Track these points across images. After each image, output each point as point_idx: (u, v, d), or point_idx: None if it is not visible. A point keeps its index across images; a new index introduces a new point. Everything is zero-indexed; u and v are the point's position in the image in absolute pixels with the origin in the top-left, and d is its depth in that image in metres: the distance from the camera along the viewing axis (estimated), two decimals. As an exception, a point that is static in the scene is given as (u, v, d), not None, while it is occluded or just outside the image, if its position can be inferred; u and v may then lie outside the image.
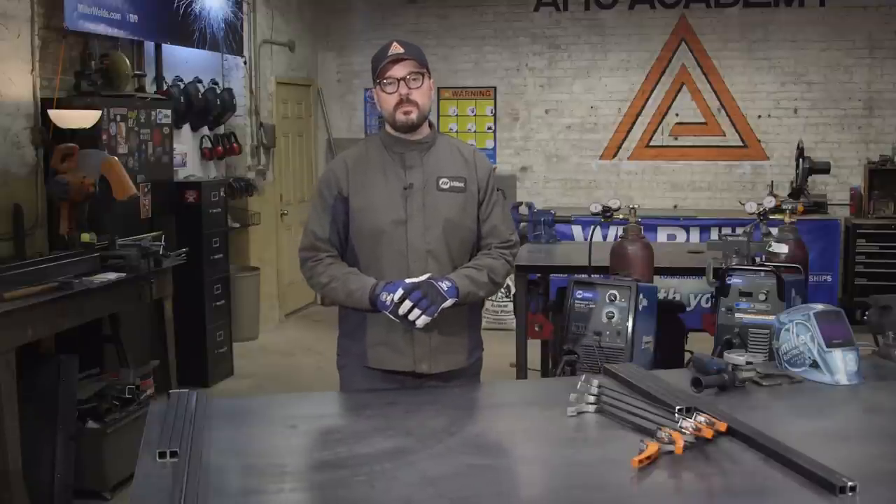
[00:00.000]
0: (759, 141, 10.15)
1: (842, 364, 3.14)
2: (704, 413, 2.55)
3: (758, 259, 4.44)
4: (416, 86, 3.23)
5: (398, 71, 3.21)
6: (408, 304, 3.05)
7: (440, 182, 3.28)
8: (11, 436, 4.47)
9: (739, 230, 5.06)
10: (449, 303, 3.12)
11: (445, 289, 3.12)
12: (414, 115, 3.24)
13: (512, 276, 7.87)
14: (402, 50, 3.22)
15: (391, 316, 3.09)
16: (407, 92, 3.22)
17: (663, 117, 10.31)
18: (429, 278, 3.13)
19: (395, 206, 3.24)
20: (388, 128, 3.33)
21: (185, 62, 7.93)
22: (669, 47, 10.21)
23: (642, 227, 4.84)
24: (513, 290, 7.39)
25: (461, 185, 3.30)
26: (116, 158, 5.95)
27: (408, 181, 3.26)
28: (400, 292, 3.06)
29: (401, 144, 3.30)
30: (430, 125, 3.38)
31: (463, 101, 10.72)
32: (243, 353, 8.11)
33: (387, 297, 3.09)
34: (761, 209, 4.89)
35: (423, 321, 3.06)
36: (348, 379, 3.43)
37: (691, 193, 10.33)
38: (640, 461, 2.32)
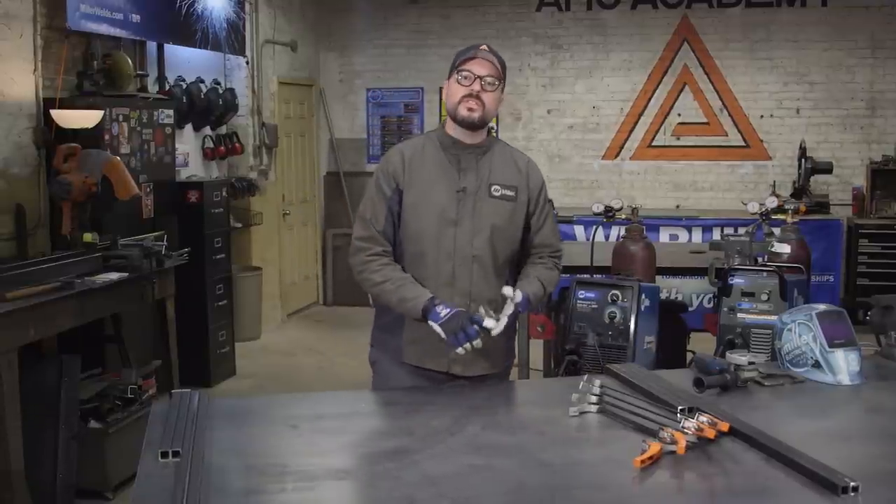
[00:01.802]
0: (762, 141, 10.14)
1: (844, 364, 3.14)
2: (706, 413, 2.55)
3: (760, 259, 4.45)
4: (489, 89, 3.25)
5: (478, 68, 3.24)
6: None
7: (492, 189, 3.30)
8: (13, 436, 4.48)
9: (742, 230, 5.06)
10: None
11: (521, 310, 3.20)
12: (476, 115, 3.24)
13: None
14: (489, 52, 3.26)
15: (440, 330, 3.08)
16: (479, 90, 3.23)
17: (665, 117, 10.31)
18: (520, 303, 3.16)
19: (448, 207, 3.26)
20: (447, 128, 3.35)
21: (188, 62, 7.94)
22: (671, 47, 10.20)
23: (644, 228, 4.85)
24: (515, 290, 7.39)
25: (512, 194, 3.33)
26: (119, 158, 5.95)
27: (461, 184, 3.28)
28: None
29: (458, 147, 3.32)
30: (489, 132, 3.41)
31: (465, 101, 10.69)
32: (245, 353, 8.11)
33: (442, 311, 3.09)
34: (763, 209, 4.89)
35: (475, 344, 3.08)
36: (382, 374, 3.43)
37: (693, 193, 10.32)
38: (643, 461, 2.32)
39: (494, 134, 4.01)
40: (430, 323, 3.10)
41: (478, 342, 3.04)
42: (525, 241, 3.40)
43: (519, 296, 3.14)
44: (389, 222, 3.30)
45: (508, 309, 3.13)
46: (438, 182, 3.28)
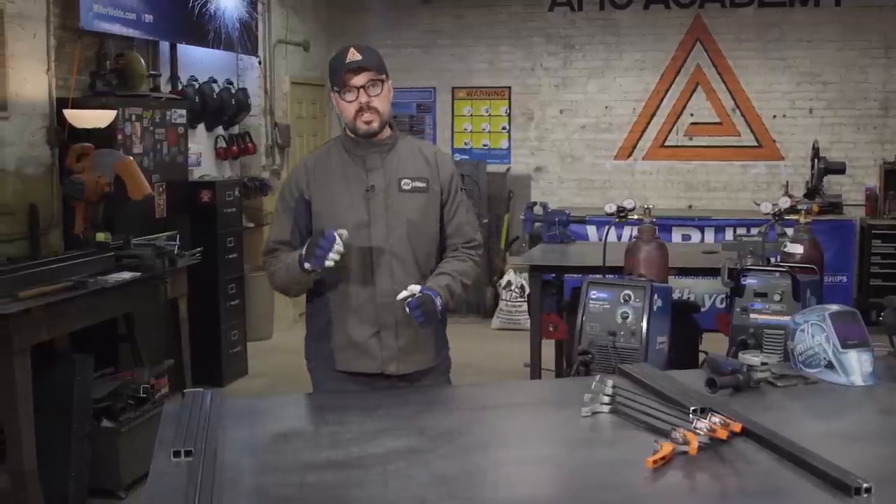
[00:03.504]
0: (775, 141, 10.12)
1: (857, 365, 3.12)
2: (719, 414, 2.54)
3: (773, 259, 4.42)
4: (375, 93, 3.22)
5: (357, 80, 3.19)
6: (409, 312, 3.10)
7: (402, 183, 3.27)
8: (26, 435, 4.50)
9: (754, 230, 5.05)
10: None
11: (440, 306, 3.15)
12: (375, 124, 3.23)
13: (526, 275, 7.86)
14: (360, 58, 3.20)
15: (307, 264, 3.08)
16: (367, 100, 3.21)
17: (678, 117, 10.29)
18: (423, 291, 3.13)
19: (358, 209, 3.23)
20: (348, 130, 3.32)
21: (200, 62, 7.96)
22: (684, 47, 10.19)
23: (657, 228, 4.82)
24: (527, 290, 7.37)
25: (423, 185, 3.29)
26: (131, 158, 5.96)
27: (369, 183, 3.25)
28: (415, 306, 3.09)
29: (361, 147, 3.29)
30: (391, 126, 3.37)
31: (477, 100, 10.72)
32: (257, 352, 8.13)
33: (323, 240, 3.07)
34: (776, 209, 4.87)
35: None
36: (318, 381, 3.44)
37: (706, 194, 10.30)
38: (655, 462, 2.31)
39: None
40: (305, 266, 3.10)
41: (338, 246, 3.03)
42: (442, 234, 3.36)
43: (416, 288, 3.14)
44: (296, 234, 3.30)
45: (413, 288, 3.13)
46: (345, 185, 3.26)
